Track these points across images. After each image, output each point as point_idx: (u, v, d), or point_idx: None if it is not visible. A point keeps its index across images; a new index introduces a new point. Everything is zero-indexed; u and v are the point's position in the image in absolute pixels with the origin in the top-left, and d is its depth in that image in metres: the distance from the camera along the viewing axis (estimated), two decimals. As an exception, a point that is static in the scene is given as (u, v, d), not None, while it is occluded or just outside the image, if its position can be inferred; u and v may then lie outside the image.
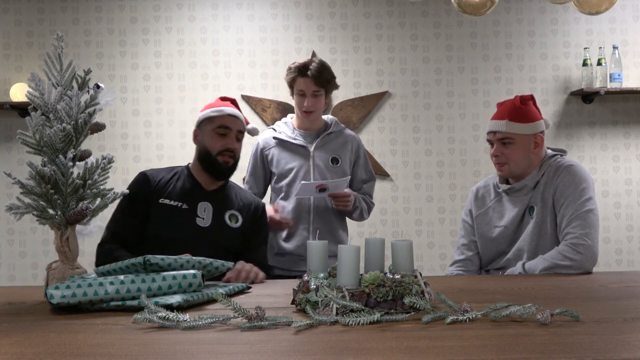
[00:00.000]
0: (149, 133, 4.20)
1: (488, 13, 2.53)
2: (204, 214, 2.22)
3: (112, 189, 1.67)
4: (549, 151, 2.33)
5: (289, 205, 2.67)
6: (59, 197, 1.58)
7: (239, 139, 2.32)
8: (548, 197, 2.21)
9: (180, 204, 2.21)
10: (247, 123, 2.42)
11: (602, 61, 4.03)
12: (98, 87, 1.66)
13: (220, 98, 2.40)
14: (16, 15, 4.22)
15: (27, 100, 1.62)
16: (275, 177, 2.72)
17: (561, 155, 2.33)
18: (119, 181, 4.10)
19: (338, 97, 4.14)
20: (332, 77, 2.68)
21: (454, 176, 4.21)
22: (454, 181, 4.21)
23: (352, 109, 4.16)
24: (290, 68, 2.67)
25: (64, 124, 1.58)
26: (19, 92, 4.05)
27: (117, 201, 2.16)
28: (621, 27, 4.20)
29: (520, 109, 2.25)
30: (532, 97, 2.31)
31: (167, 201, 2.21)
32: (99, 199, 1.65)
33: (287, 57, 4.18)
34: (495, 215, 2.33)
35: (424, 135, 4.21)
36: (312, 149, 2.71)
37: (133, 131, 4.21)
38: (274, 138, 2.73)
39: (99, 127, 1.71)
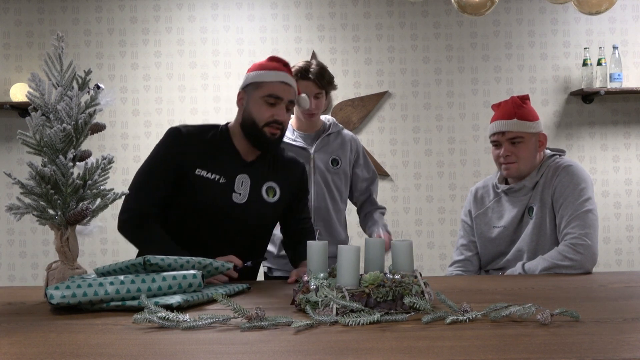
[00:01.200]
0: (149, 133, 4.20)
1: (488, 13, 2.53)
2: (241, 188, 2.03)
3: (112, 189, 1.67)
4: (548, 151, 2.34)
5: None
6: (59, 198, 1.58)
7: (289, 110, 2.05)
8: (547, 198, 2.21)
9: (218, 177, 2.00)
10: (299, 93, 2.14)
11: (602, 61, 4.03)
12: (98, 87, 1.67)
13: (271, 58, 2.09)
14: (16, 15, 4.22)
15: (27, 100, 1.62)
16: None
17: (560, 156, 2.33)
18: (119, 181, 4.10)
19: (338, 97, 4.14)
20: (332, 77, 2.69)
21: (454, 176, 4.21)
22: (454, 181, 4.21)
23: (352, 109, 4.16)
24: None
25: (64, 124, 1.58)
26: (19, 92, 4.05)
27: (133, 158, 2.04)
28: (621, 27, 4.20)
29: (525, 108, 2.27)
30: (528, 97, 2.32)
31: (204, 173, 1.99)
32: (99, 200, 1.65)
33: (287, 57, 4.12)
34: (494, 216, 2.33)
35: (424, 135, 4.21)
36: (312, 150, 2.70)
37: (133, 131, 4.21)
38: None
39: (99, 128, 1.71)
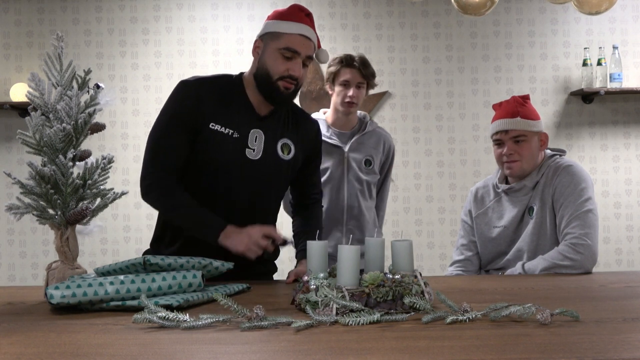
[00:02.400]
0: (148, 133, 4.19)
1: (488, 13, 2.53)
2: (255, 144, 1.95)
3: (112, 189, 1.67)
4: (548, 151, 2.34)
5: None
6: (59, 197, 1.58)
7: (306, 65, 1.94)
8: (547, 198, 2.21)
9: (231, 131, 1.92)
10: (319, 46, 2.00)
11: (602, 61, 4.03)
12: (98, 87, 1.67)
13: (293, 7, 1.94)
14: (16, 15, 4.22)
15: (27, 100, 1.62)
16: None
17: (560, 156, 2.33)
18: (118, 181, 4.10)
19: (338, 97, 4.14)
20: (374, 72, 2.67)
21: (454, 176, 4.21)
22: (454, 181, 4.21)
23: (352, 109, 4.16)
24: (334, 59, 2.62)
25: (64, 124, 1.58)
26: (19, 92, 4.05)
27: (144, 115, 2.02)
28: (621, 27, 4.20)
29: (527, 107, 2.28)
30: (528, 97, 2.33)
31: (217, 127, 1.92)
32: (99, 199, 1.66)
33: (287, 57, 4.17)
34: (494, 216, 2.33)
35: (424, 135, 4.21)
36: (346, 149, 2.68)
37: (133, 131, 4.21)
38: None
39: (99, 127, 1.71)
